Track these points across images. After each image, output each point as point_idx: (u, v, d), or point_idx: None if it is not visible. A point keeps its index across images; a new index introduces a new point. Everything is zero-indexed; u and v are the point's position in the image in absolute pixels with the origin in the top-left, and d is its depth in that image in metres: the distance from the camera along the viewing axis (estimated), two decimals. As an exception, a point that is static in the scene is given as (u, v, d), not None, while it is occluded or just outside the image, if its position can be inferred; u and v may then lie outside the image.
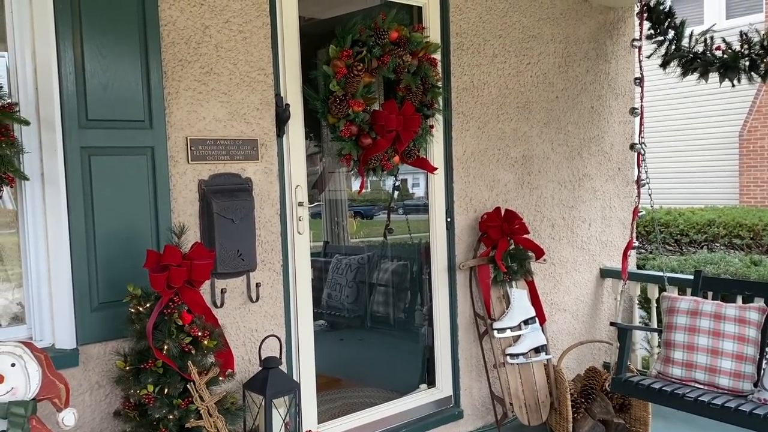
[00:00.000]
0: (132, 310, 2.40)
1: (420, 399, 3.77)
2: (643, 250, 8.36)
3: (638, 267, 5.66)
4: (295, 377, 3.20)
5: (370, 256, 5.28)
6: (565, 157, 4.41)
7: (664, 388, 3.14)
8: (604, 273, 4.66)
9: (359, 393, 4.09)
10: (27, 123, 2.36)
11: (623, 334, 3.39)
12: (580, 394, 3.78)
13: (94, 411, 2.58)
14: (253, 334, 3.03)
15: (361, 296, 5.17)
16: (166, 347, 2.33)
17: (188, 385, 2.22)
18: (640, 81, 3.66)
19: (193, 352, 2.39)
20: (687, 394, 3.05)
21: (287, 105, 3.08)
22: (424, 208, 3.90)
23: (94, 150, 2.54)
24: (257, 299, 3.01)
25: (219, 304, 2.88)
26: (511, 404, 3.68)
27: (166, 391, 2.32)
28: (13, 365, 2.07)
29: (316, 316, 5.20)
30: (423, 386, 3.87)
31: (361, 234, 5.47)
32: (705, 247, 8.12)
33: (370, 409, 3.58)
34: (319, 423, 3.33)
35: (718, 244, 8.07)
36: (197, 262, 2.40)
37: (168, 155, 2.73)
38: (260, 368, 2.81)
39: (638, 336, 4.63)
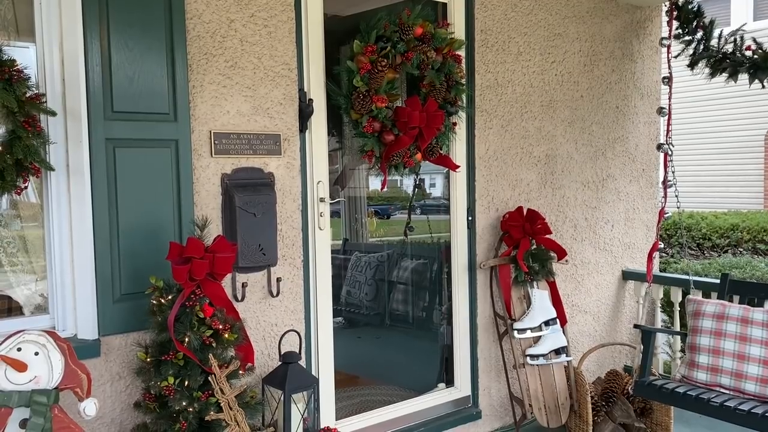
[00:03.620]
0: (154, 302, 2.40)
1: (438, 398, 3.75)
2: (664, 254, 8.25)
3: (660, 270, 5.58)
4: (313, 373, 3.19)
5: (390, 254, 5.27)
6: (588, 157, 4.35)
7: (688, 393, 3.08)
8: (627, 275, 4.60)
9: (377, 391, 4.08)
10: (54, 114, 2.38)
11: (647, 336, 3.34)
12: (601, 397, 3.73)
13: (114, 402, 2.59)
14: (273, 328, 3.03)
15: (380, 294, 5.16)
16: (187, 339, 2.33)
17: (209, 378, 2.22)
18: (668, 80, 3.60)
19: (214, 345, 2.39)
20: (712, 399, 2.99)
21: (310, 100, 3.07)
22: (444, 208, 3.88)
23: (119, 142, 2.55)
24: (277, 294, 3.01)
25: (240, 298, 2.88)
26: (530, 405, 3.64)
27: (186, 383, 2.32)
28: (36, 354, 2.08)
29: (335, 313, 5.21)
30: (441, 385, 3.84)
31: (380, 232, 5.45)
32: (728, 251, 8.00)
33: (387, 407, 3.56)
34: (336, 419, 3.32)
35: (741, 249, 7.94)
36: (219, 255, 2.39)
37: (192, 148, 2.74)
38: (280, 363, 2.81)
39: (660, 340, 4.56)
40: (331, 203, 3.26)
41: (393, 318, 5.00)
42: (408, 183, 4.44)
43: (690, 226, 8.61)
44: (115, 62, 2.53)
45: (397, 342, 4.99)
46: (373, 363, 4.72)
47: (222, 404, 2.18)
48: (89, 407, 2.16)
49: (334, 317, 4.76)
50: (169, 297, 2.39)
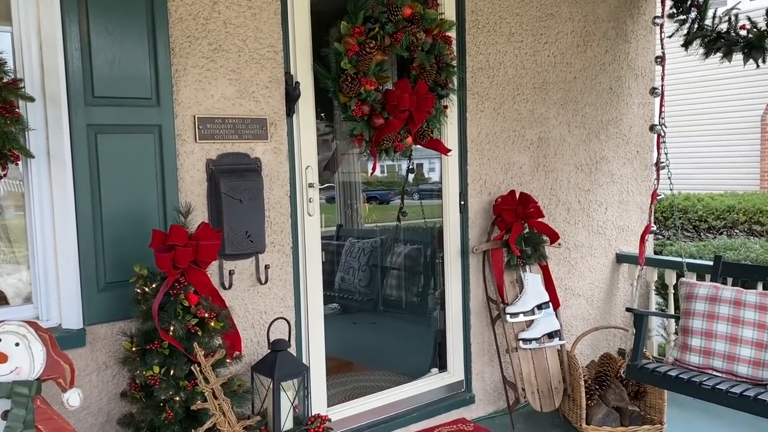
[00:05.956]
0: (138, 291, 2.37)
1: (431, 383, 3.73)
2: (660, 236, 8.23)
3: (655, 253, 5.55)
4: (304, 360, 3.17)
5: (384, 239, 5.23)
6: (582, 140, 4.31)
7: (680, 376, 3.06)
8: (621, 258, 4.57)
9: (370, 377, 4.06)
10: (32, 99, 2.33)
11: (639, 319, 3.32)
12: (594, 381, 3.72)
13: (101, 391, 2.56)
14: (262, 316, 3.00)
15: (374, 280, 5.13)
16: (172, 328, 2.30)
17: (192, 367, 2.18)
18: (661, 60, 3.54)
19: (200, 333, 2.35)
20: (704, 382, 2.97)
21: (297, 83, 3.02)
22: (439, 192, 3.83)
23: (101, 128, 2.50)
24: (266, 281, 2.97)
25: (227, 286, 2.84)
26: (523, 390, 3.63)
27: (172, 372, 2.29)
28: (17, 345, 2.04)
29: (329, 299, 5.18)
30: (434, 370, 3.83)
31: (373, 217, 5.41)
32: (724, 233, 7.98)
33: (379, 393, 3.54)
34: (328, 406, 3.30)
35: (737, 231, 7.92)
36: (203, 243, 2.35)
37: (175, 134, 2.69)
38: (269, 351, 2.78)
39: (654, 322, 4.54)
40: (320, 188, 3.21)
41: (387, 303, 4.97)
42: (406, 167, 4.38)
43: (686, 208, 8.58)
44: (95, 46, 2.47)
45: (390, 327, 4.96)
46: (368, 349, 4.70)
47: (206, 394, 2.15)
48: (73, 398, 2.13)
49: (328, 304, 4.70)
50: (153, 285, 2.35)
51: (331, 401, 3.37)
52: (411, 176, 4.38)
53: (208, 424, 2.09)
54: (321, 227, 5.23)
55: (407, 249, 4.93)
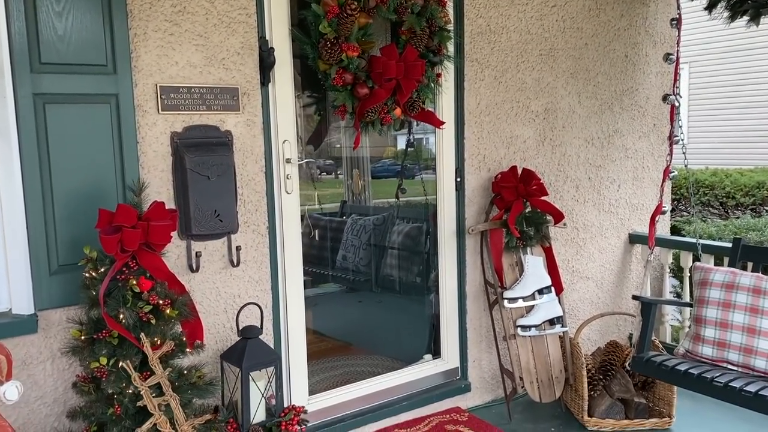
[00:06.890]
0: (86, 275, 2.18)
1: (424, 370, 3.52)
2: (685, 213, 7.87)
3: (676, 230, 5.24)
4: (282, 347, 2.98)
5: (386, 217, 5.01)
6: (593, 112, 4.00)
7: (690, 371, 2.80)
8: (634, 238, 4.28)
9: (362, 361, 3.88)
10: (-32, 66, 2.13)
11: (647, 308, 3.05)
12: (598, 370, 3.48)
13: (56, 380, 2.40)
14: (236, 300, 2.80)
15: (376, 259, 4.93)
16: (122, 316, 2.11)
17: (125, 363, 1.99)
18: (677, 23, 3.21)
19: (153, 321, 2.16)
20: (716, 379, 2.70)
21: (272, 49, 2.77)
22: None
23: (49, 97, 2.30)
24: (238, 263, 2.77)
25: (195, 268, 2.65)
26: (521, 379, 3.40)
27: (121, 364, 2.10)
28: (-57, 335, 1.87)
29: (327, 279, 4.98)
30: (427, 357, 3.62)
31: (365, 194, 5.17)
32: (752, 210, 7.60)
33: (367, 381, 3.34)
34: (311, 394, 3.11)
35: (766, 208, 7.54)
36: (155, 224, 2.15)
37: (135, 104, 2.48)
38: (239, 338, 2.60)
39: (667, 306, 4.26)
40: (299, 163, 2.99)
41: (384, 284, 4.77)
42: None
43: (713, 184, 8.20)
44: (41, 6, 2.26)
45: (387, 309, 4.77)
46: (362, 331, 4.51)
47: (142, 391, 1.95)
48: (10, 391, 1.95)
49: (330, 283, 4.48)
50: (102, 269, 2.16)
51: (317, 388, 3.20)
52: (411, 150, 4.11)
53: (147, 425, 1.91)
54: (319, 204, 5.00)
55: (407, 227, 4.70)
